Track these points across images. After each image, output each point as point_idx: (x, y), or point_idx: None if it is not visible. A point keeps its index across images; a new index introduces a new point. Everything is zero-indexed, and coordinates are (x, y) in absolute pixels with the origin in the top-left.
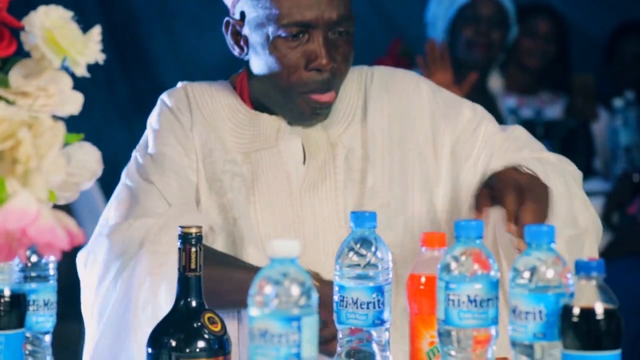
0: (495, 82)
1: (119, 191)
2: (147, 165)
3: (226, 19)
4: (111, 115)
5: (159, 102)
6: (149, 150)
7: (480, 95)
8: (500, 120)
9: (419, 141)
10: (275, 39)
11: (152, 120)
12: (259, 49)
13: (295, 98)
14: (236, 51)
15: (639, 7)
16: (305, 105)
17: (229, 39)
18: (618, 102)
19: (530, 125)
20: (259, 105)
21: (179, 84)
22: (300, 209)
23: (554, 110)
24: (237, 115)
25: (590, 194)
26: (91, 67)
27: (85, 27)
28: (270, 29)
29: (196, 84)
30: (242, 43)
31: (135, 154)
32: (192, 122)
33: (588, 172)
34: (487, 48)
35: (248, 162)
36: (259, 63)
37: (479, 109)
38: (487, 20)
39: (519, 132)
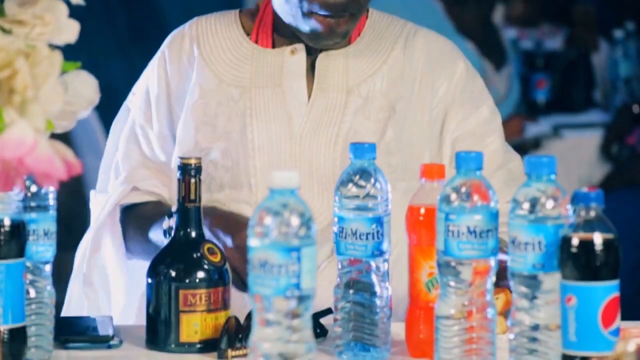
0: (496, 14)
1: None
2: (124, 135)
3: None
4: (109, 44)
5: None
6: (131, 107)
7: (485, 28)
8: (502, 51)
9: (433, 115)
10: None
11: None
12: None
13: (310, 18)
14: None
15: None
16: (319, 24)
17: None
18: (618, 33)
19: (530, 57)
20: (281, 29)
21: (192, 19)
22: (299, 153)
23: (555, 42)
24: (238, 48)
25: (589, 125)
26: None
27: None
28: None
29: (203, 18)
30: None
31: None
32: (185, 64)
33: (588, 104)
34: None
35: (247, 97)
36: None
37: (498, 116)
38: None
39: (516, 165)
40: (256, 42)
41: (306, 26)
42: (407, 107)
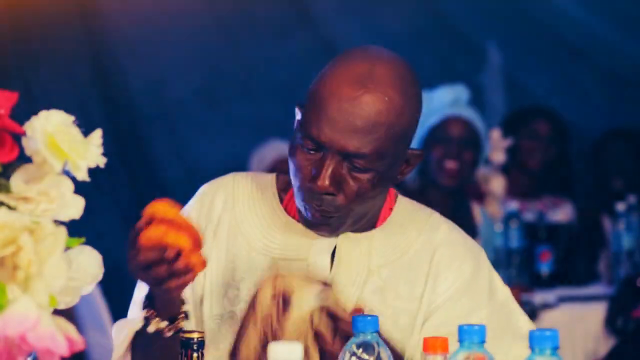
0: (497, 185)
1: None
2: None
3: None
4: (113, 218)
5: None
6: None
7: (460, 220)
8: (471, 228)
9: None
10: (297, 145)
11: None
12: (291, 149)
13: (302, 203)
14: None
15: (632, 112)
16: (307, 212)
17: None
18: (620, 206)
19: (533, 229)
20: None
21: (230, 175)
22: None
23: (557, 214)
24: (272, 217)
25: (593, 298)
26: (93, 171)
27: (89, 130)
28: (298, 135)
29: (242, 177)
30: None
31: None
32: (220, 221)
33: (592, 276)
34: (458, 169)
35: (274, 268)
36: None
37: (508, 308)
38: (458, 141)
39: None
40: (286, 208)
41: (304, 214)
42: (427, 303)
